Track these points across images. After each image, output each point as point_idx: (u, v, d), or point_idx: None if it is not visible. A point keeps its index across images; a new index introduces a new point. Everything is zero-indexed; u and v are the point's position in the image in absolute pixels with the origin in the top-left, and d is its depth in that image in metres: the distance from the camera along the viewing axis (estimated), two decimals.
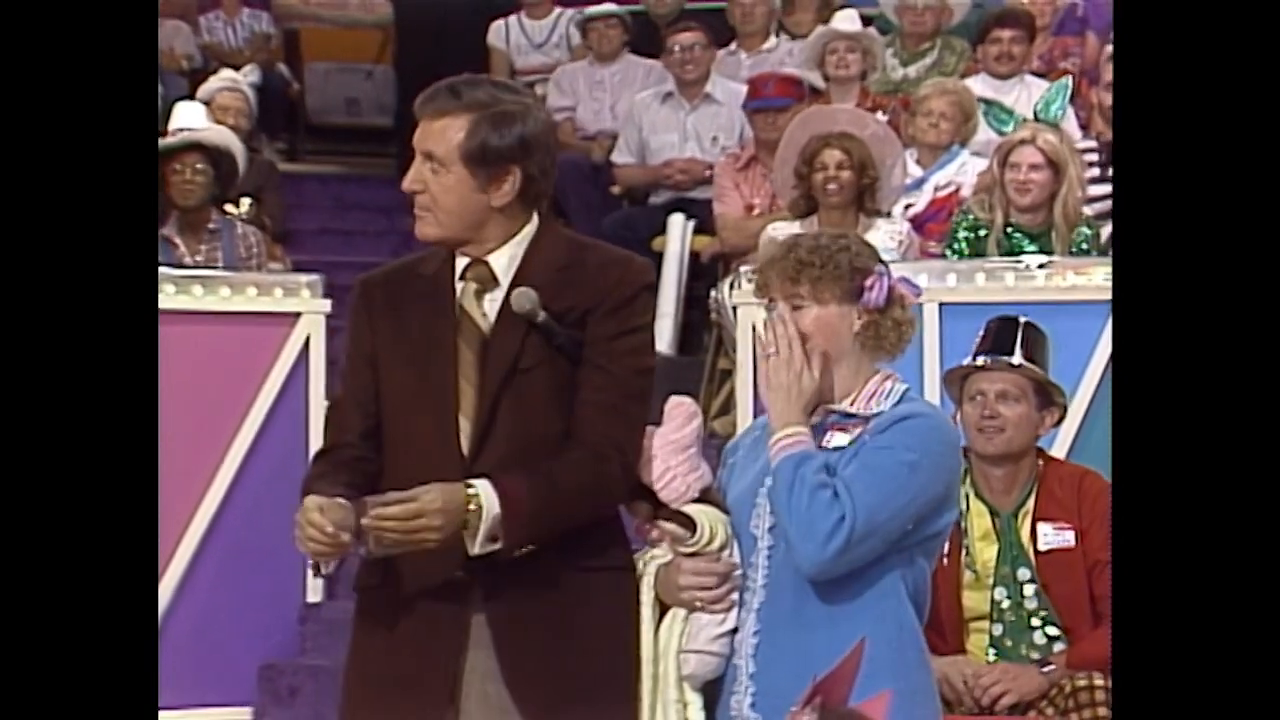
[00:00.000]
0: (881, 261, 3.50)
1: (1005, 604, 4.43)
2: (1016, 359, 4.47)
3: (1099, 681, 4.27)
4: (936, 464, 3.41)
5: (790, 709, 2.57)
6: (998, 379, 4.47)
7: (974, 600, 4.44)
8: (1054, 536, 4.43)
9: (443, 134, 3.38)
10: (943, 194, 7.18)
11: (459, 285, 3.44)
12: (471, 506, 3.27)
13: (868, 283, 3.44)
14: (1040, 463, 4.53)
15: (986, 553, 4.44)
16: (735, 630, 3.43)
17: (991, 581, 4.43)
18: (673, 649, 3.43)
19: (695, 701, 3.43)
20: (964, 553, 4.41)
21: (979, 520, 4.45)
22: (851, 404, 3.46)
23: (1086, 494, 4.43)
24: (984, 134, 7.31)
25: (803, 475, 3.34)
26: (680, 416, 3.46)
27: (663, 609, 3.46)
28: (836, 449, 3.42)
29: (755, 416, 5.88)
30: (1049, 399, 4.49)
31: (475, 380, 3.38)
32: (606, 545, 3.43)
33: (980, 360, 4.52)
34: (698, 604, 3.42)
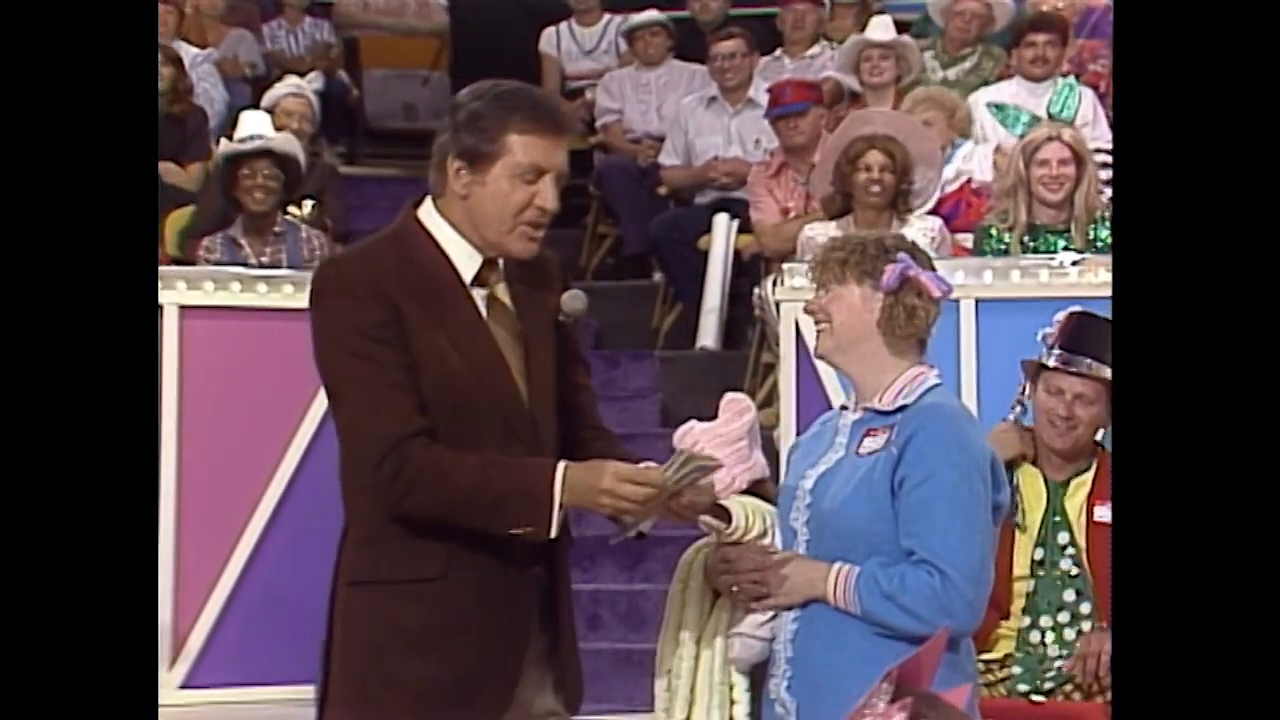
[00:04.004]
0: (927, 257, 3.57)
1: (1043, 563, 4.59)
2: (1095, 365, 4.54)
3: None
4: (976, 460, 3.46)
5: (871, 707, 2.50)
6: (1078, 382, 4.57)
7: (1018, 557, 4.57)
8: (1108, 512, 4.54)
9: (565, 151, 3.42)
10: (953, 187, 7.34)
11: (484, 282, 3.41)
12: None
13: (885, 268, 3.50)
14: (1100, 450, 4.67)
15: (1035, 512, 4.61)
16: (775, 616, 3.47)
17: (1035, 540, 4.59)
18: (721, 632, 3.49)
19: (741, 683, 3.49)
20: (1016, 511, 4.55)
21: (1032, 481, 4.62)
22: (880, 400, 3.50)
23: None
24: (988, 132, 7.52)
25: (883, 591, 3.38)
26: (731, 411, 3.51)
27: (714, 594, 3.52)
28: (869, 454, 3.46)
29: (798, 410, 6.05)
30: None
31: (524, 370, 3.41)
32: None
33: (1054, 360, 4.59)
34: (733, 590, 3.48)
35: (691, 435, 3.46)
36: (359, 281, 3.34)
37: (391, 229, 3.44)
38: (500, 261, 3.42)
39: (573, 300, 3.46)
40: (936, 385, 3.54)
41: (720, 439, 3.45)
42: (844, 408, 3.59)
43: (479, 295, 3.40)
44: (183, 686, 6.48)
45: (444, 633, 3.32)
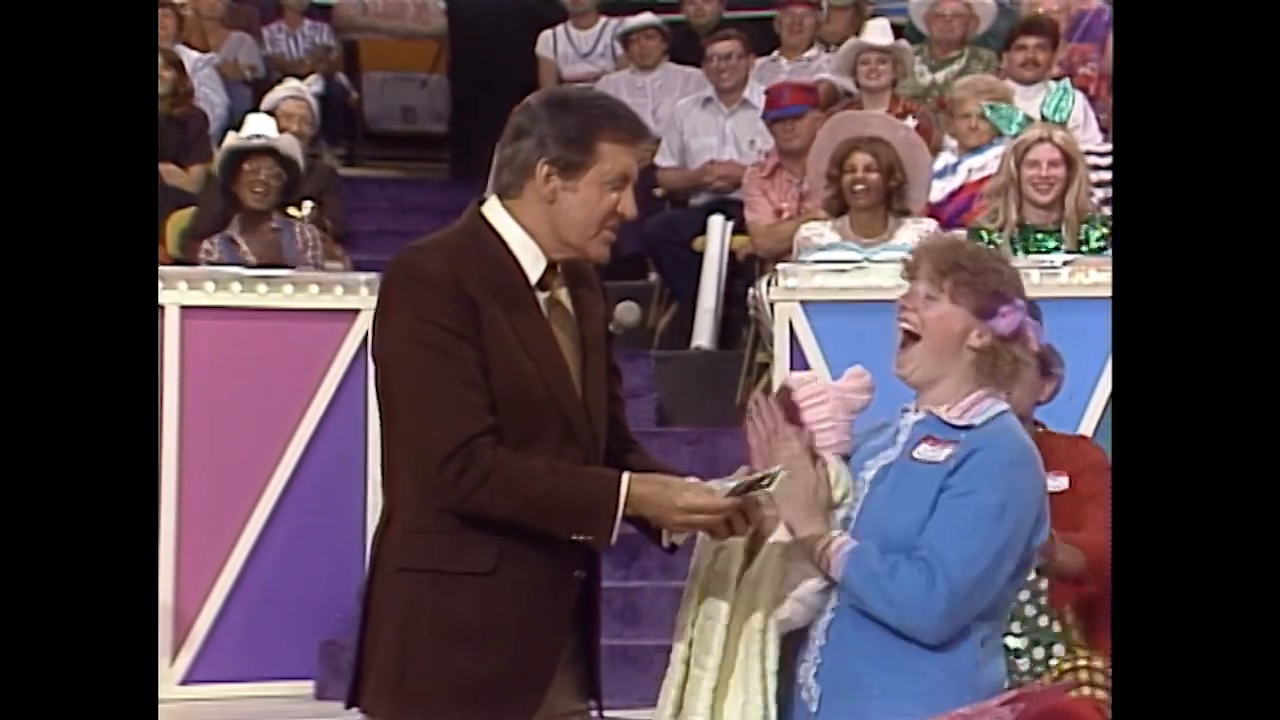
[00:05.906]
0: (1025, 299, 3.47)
1: None
2: None
3: (1082, 662, 4.46)
4: (1023, 498, 3.39)
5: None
6: None
7: None
8: (1051, 482, 4.68)
9: None
10: (976, 178, 7.36)
11: (546, 285, 3.43)
12: None
13: (1003, 309, 3.41)
14: (1039, 430, 4.70)
15: None
16: (832, 585, 3.38)
17: None
18: (761, 598, 3.39)
19: (773, 655, 3.37)
20: None
21: None
22: (948, 409, 3.42)
23: (1080, 448, 4.64)
24: None
25: (871, 569, 3.33)
26: (860, 383, 3.50)
27: (747, 560, 3.42)
28: (926, 462, 3.39)
29: None
30: (1048, 368, 4.63)
31: (581, 375, 3.43)
32: None
33: None
34: (749, 421, 3.43)
35: (817, 388, 3.45)
36: (439, 273, 3.32)
37: (460, 225, 3.44)
38: (558, 267, 3.45)
39: (626, 312, 3.56)
40: (1006, 411, 3.46)
41: (840, 402, 3.45)
42: (906, 409, 3.51)
43: (541, 298, 3.42)
44: (184, 682, 6.57)
45: (490, 628, 3.33)
